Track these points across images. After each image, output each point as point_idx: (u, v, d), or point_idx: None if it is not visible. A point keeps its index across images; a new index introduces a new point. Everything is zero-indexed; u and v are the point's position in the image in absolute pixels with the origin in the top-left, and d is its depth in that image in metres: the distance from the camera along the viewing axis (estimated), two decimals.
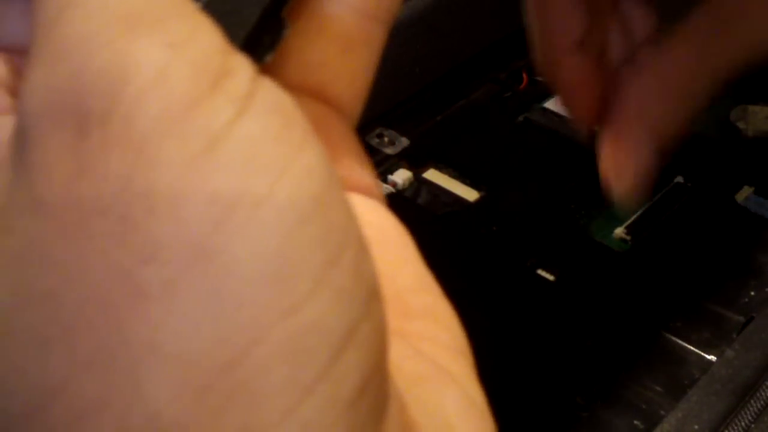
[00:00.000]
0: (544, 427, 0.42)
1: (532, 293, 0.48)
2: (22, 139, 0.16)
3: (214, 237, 0.15)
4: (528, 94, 0.60)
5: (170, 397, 0.15)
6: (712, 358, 0.44)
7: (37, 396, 0.15)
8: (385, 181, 0.54)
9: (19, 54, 0.19)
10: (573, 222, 0.51)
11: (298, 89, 0.22)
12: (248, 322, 0.15)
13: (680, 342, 0.45)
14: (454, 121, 0.59)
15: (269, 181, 0.15)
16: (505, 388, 0.43)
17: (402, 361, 0.20)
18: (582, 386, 0.43)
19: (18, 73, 0.19)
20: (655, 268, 0.49)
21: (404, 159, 0.56)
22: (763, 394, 0.41)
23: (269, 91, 0.17)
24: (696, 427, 0.40)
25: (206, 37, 0.16)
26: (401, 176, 0.54)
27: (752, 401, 0.41)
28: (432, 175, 0.55)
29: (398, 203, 0.52)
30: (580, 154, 0.43)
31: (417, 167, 0.55)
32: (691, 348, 0.45)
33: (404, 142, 0.57)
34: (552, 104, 0.58)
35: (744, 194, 0.53)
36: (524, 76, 0.61)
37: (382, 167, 0.55)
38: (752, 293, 0.47)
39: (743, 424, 0.40)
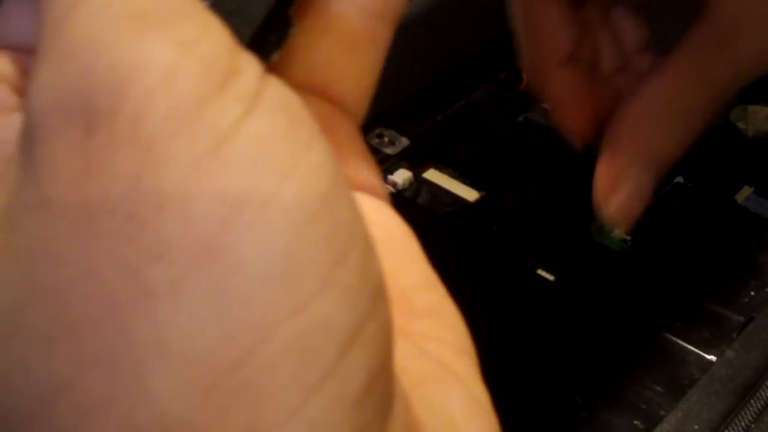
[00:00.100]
0: (544, 427, 0.42)
1: (532, 293, 0.48)
2: (29, 137, 0.16)
3: (221, 236, 0.15)
4: (528, 94, 0.60)
5: (176, 395, 0.15)
6: (712, 358, 0.44)
7: (42, 394, 0.15)
8: (385, 181, 0.54)
9: (26, 53, 0.19)
10: (573, 222, 0.51)
11: (304, 88, 0.22)
12: (255, 320, 0.15)
13: (680, 342, 0.45)
14: (454, 121, 0.59)
15: (277, 180, 0.15)
16: (506, 388, 0.43)
17: (407, 361, 0.20)
18: (582, 386, 0.43)
19: (25, 72, 0.19)
20: (655, 268, 0.49)
21: (404, 159, 0.56)
22: (763, 394, 0.41)
23: (276, 89, 0.17)
24: (696, 427, 0.40)
25: (214, 36, 0.16)
26: (401, 176, 0.54)
27: (752, 401, 0.41)
28: (432, 175, 0.55)
29: (398, 203, 0.51)
30: (585, 154, 0.43)
31: (417, 167, 0.55)
32: (691, 348, 0.45)
33: (404, 142, 0.57)
34: None
35: (744, 194, 0.53)
36: (524, 76, 0.61)
37: (382, 167, 0.55)
38: (752, 293, 0.47)
39: (743, 424, 0.40)
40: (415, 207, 0.53)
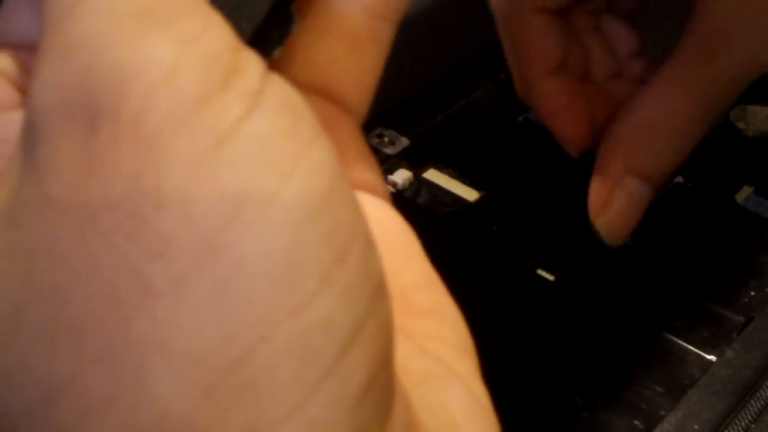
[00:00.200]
0: (544, 427, 0.42)
1: (532, 293, 0.48)
2: (31, 135, 0.16)
3: (222, 234, 0.15)
4: None
5: (177, 394, 0.15)
6: (712, 358, 0.44)
7: (43, 392, 0.15)
8: (385, 181, 0.54)
9: (28, 50, 0.19)
10: (573, 222, 0.51)
11: (306, 87, 0.22)
12: (256, 319, 0.15)
13: (680, 342, 0.45)
14: (454, 121, 0.59)
15: (278, 178, 0.16)
16: (506, 388, 0.43)
17: (407, 360, 0.20)
18: (582, 386, 0.43)
19: (27, 70, 0.19)
20: (655, 268, 0.49)
21: (404, 159, 0.56)
22: (763, 394, 0.41)
23: (279, 88, 0.17)
24: (696, 427, 0.40)
25: (216, 34, 0.16)
26: (401, 176, 0.54)
27: (752, 401, 0.41)
28: (432, 175, 0.55)
29: (398, 203, 0.51)
30: (586, 155, 0.43)
31: (417, 167, 0.55)
32: (691, 348, 0.45)
33: (404, 142, 0.57)
34: None
35: (744, 194, 0.53)
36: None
37: (382, 167, 0.55)
38: (752, 293, 0.47)
39: (743, 424, 0.40)
40: (415, 207, 0.53)
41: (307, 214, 0.16)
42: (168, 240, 0.15)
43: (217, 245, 0.15)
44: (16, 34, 0.20)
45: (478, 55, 0.61)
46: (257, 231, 0.15)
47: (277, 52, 0.20)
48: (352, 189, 0.17)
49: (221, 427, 0.15)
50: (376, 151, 0.56)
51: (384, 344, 0.17)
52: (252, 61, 0.16)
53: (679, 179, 0.54)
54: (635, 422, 0.42)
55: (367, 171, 0.23)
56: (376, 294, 0.17)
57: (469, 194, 0.54)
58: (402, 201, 0.53)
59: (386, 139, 0.57)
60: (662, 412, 0.42)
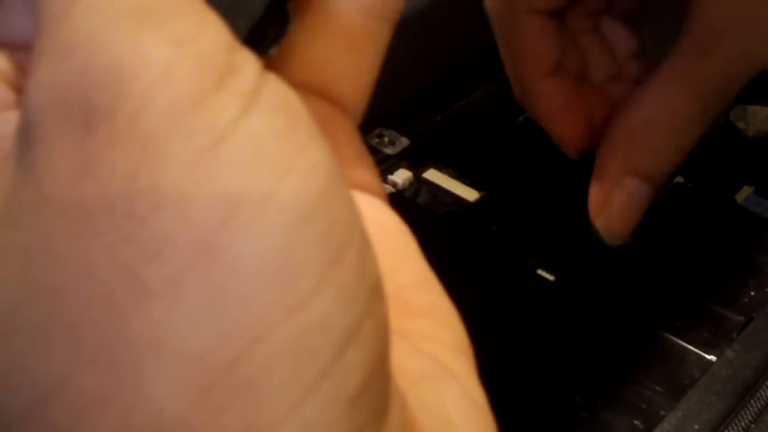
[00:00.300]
0: (544, 427, 0.42)
1: (532, 293, 0.48)
2: (26, 135, 0.16)
3: (218, 234, 0.15)
4: None
5: (173, 394, 0.15)
6: (712, 358, 0.44)
7: (39, 392, 0.15)
8: (385, 181, 0.54)
9: (24, 50, 0.19)
10: (573, 222, 0.51)
11: (303, 87, 0.22)
12: (252, 319, 0.15)
13: (680, 342, 0.45)
14: (454, 121, 0.59)
15: (274, 178, 0.15)
16: (505, 388, 0.43)
17: (403, 360, 0.20)
18: (582, 386, 0.43)
19: (22, 69, 0.19)
20: (655, 268, 0.49)
21: (404, 159, 0.56)
22: (763, 394, 0.41)
23: (275, 88, 0.17)
24: (696, 427, 0.40)
25: (213, 34, 0.16)
26: (401, 176, 0.54)
27: (752, 401, 0.41)
28: (432, 175, 0.55)
29: (398, 203, 0.51)
30: (585, 156, 0.43)
31: (417, 167, 0.55)
32: (691, 348, 0.44)
33: (404, 142, 0.57)
34: None
35: (744, 194, 0.53)
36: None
37: (382, 167, 0.55)
38: (752, 293, 0.47)
39: (743, 424, 0.40)
40: (415, 207, 0.53)
41: (303, 215, 0.16)
42: (164, 240, 0.15)
43: (213, 245, 0.15)
44: (12, 34, 0.20)
45: (477, 55, 0.61)
46: (253, 231, 0.15)
47: (273, 51, 0.20)
48: (348, 189, 0.17)
49: (217, 428, 0.15)
50: (376, 151, 0.56)
51: (380, 345, 0.17)
52: (248, 61, 0.16)
53: (679, 179, 0.53)
54: (635, 422, 0.42)
55: (364, 171, 0.23)
56: (373, 294, 0.17)
57: (469, 194, 0.54)
58: (402, 201, 0.53)
59: (386, 139, 0.56)
60: (662, 412, 0.42)
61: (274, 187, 0.15)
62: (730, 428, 0.40)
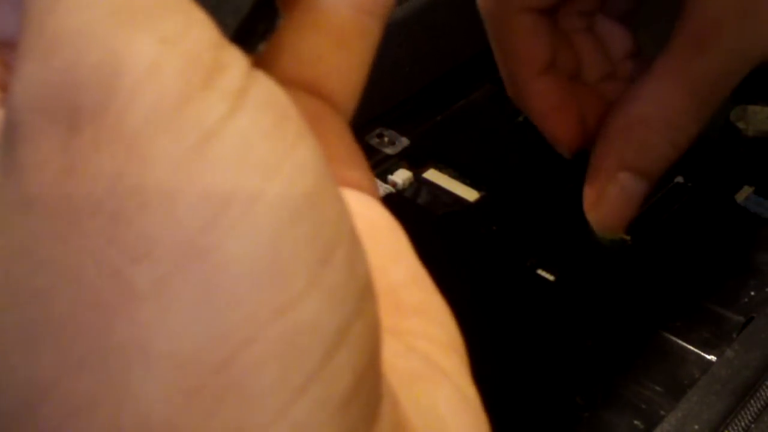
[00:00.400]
0: (544, 427, 0.42)
1: (532, 293, 0.48)
2: (11, 134, 0.16)
3: (206, 235, 0.15)
4: None
5: (161, 397, 0.15)
6: (712, 358, 0.44)
7: (26, 395, 0.15)
8: (385, 181, 0.54)
9: (9, 47, 0.19)
10: (573, 222, 0.51)
11: (293, 83, 0.22)
12: (240, 321, 0.15)
13: (680, 342, 0.45)
14: (454, 121, 0.59)
15: (262, 178, 0.15)
16: (505, 388, 0.43)
17: (395, 359, 0.20)
18: (582, 386, 0.43)
19: (6, 67, 0.19)
20: (655, 268, 0.49)
21: (404, 159, 0.56)
22: (763, 394, 0.41)
23: (263, 86, 0.16)
24: (696, 427, 0.39)
25: (199, 32, 0.16)
26: (401, 176, 0.54)
27: (752, 401, 0.41)
28: (432, 175, 0.55)
29: (398, 203, 0.52)
30: (580, 154, 0.43)
31: (417, 167, 0.55)
32: (691, 348, 0.44)
33: (404, 142, 0.57)
34: None
35: (744, 194, 0.53)
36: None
37: (382, 167, 0.55)
38: (752, 293, 0.47)
39: (743, 424, 0.40)
40: (415, 207, 0.53)
41: (292, 214, 0.15)
42: (150, 241, 0.15)
43: (200, 246, 0.15)
44: None
45: (477, 55, 0.61)
46: (241, 231, 0.15)
47: (262, 47, 0.20)
48: (337, 188, 0.17)
49: (205, 430, 0.15)
50: (376, 151, 0.56)
51: (371, 346, 0.17)
52: (235, 59, 0.16)
53: (679, 179, 0.53)
54: (635, 422, 0.42)
55: (355, 168, 0.23)
56: (363, 295, 0.17)
57: (469, 194, 0.54)
58: (402, 201, 0.53)
59: (386, 139, 0.56)
60: (662, 412, 0.42)
61: (262, 186, 0.15)
62: (730, 428, 0.40)
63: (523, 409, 0.42)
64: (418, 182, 0.54)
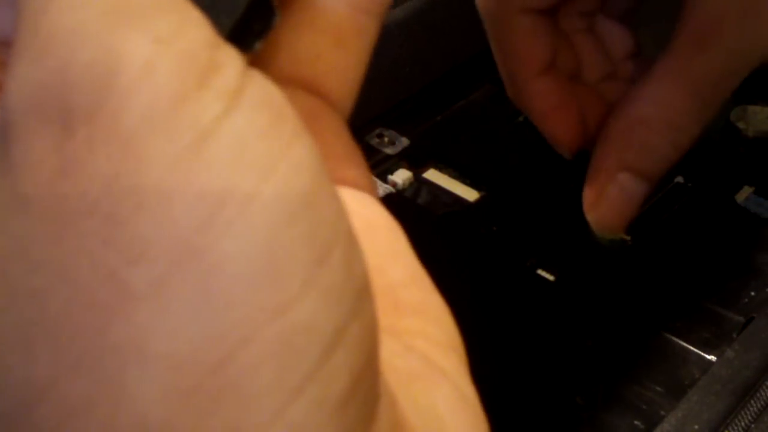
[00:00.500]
0: (544, 427, 0.42)
1: (532, 293, 0.48)
2: (5, 135, 0.16)
3: (201, 235, 0.15)
4: None
5: (157, 398, 0.15)
6: (712, 358, 0.44)
7: (23, 396, 0.15)
8: (385, 181, 0.54)
9: (4, 45, 0.19)
10: (573, 222, 0.51)
11: (291, 82, 0.22)
12: (237, 322, 0.15)
13: (680, 342, 0.45)
14: (454, 121, 0.59)
15: (258, 178, 0.15)
16: (505, 389, 0.43)
17: (393, 359, 0.20)
18: (582, 386, 0.43)
19: (2, 66, 0.19)
20: (655, 268, 0.49)
21: (404, 159, 0.56)
22: (763, 394, 0.41)
23: (258, 85, 0.16)
24: (696, 427, 0.39)
25: (194, 31, 0.16)
26: (401, 176, 0.54)
27: (752, 401, 0.40)
28: (432, 175, 0.55)
29: (398, 203, 0.52)
30: (580, 155, 0.43)
31: (417, 167, 0.55)
32: (691, 348, 0.44)
33: (404, 142, 0.57)
34: None
35: (744, 194, 0.53)
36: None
37: (382, 167, 0.55)
38: (752, 293, 0.47)
39: (743, 424, 0.40)
40: (415, 207, 0.53)
41: (288, 214, 0.15)
42: (146, 242, 0.15)
43: (196, 246, 0.15)
44: None
45: (478, 55, 0.61)
46: (237, 231, 0.15)
47: (258, 46, 0.20)
48: (334, 188, 0.17)
49: (202, 431, 0.15)
50: (376, 151, 0.56)
51: (368, 346, 0.17)
52: (231, 58, 0.16)
53: (679, 179, 0.53)
54: (635, 422, 0.42)
55: (353, 166, 0.23)
56: (360, 295, 0.17)
57: (469, 194, 0.54)
58: (402, 201, 0.53)
59: (386, 139, 0.56)
60: (662, 412, 0.42)
61: (258, 186, 0.15)
62: (730, 428, 0.40)
63: (523, 409, 0.42)
64: (418, 182, 0.54)
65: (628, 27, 0.44)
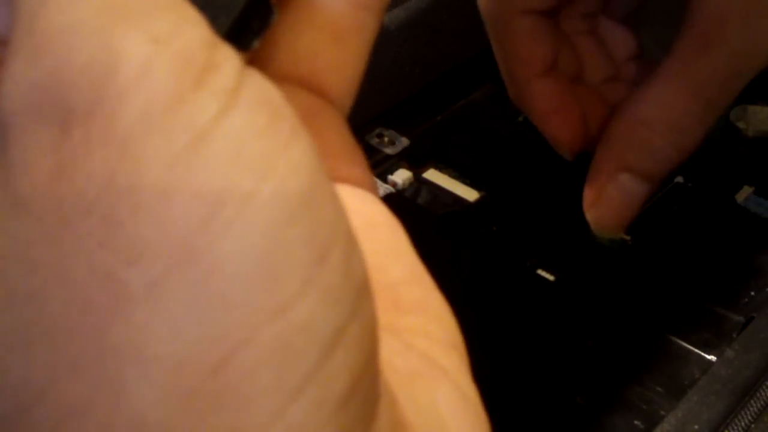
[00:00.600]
0: (544, 427, 0.42)
1: (532, 293, 0.48)
2: (2, 136, 0.16)
3: (199, 236, 0.15)
4: None
5: (155, 400, 0.15)
6: (712, 358, 0.44)
7: (20, 399, 0.15)
8: (385, 181, 0.54)
9: (2, 45, 0.19)
10: (573, 222, 0.51)
11: (290, 79, 0.21)
12: (235, 323, 0.15)
13: (680, 342, 0.45)
14: (454, 121, 0.59)
15: (256, 178, 0.15)
16: (505, 389, 0.43)
17: (393, 357, 0.20)
18: (582, 386, 0.43)
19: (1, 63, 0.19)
20: (655, 268, 0.49)
21: (404, 159, 0.56)
22: (763, 394, 0.41)
23: (256, 84, 0.16)
24: (696, 427, 0.39)
25: (191, 30, 0.16)
26: (401, 176, 0.54)
27: (752, 401, 0.40)
28: (432, 175, 0.55)
29: (398, 203, 0.52)
30: (581, 156, 0.43)
31: (417, 167, 0.55)
32: (691, 348, 0.44)
33: (404, 142, 0.56)
34: None
35: (744, 194, 0.53)
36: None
37: (382, 167, 0.55)
38: (752, 293, 0.47)
39: (743, 424, 0.40)
40: (415, 207, 0.53)
41: (286, 215, 0.15)
42: (143, 243, 0.15)
43: (193, 247, 0.15)
44: None
45: (478, 55, 0.61)
46: (235, 232, 0.15)
47: (256, 44, 0.20)
48: (333, 187, 0.17)
49: None
50: (376, 151, 0.56)
51: (368, 347, 0.17)
52: (228, 58, 0.16)
53: (679, 179, 0.53)
54: (635, 422, 0.41)
55: (353, 164, 0.23)
56: (360, 295, 0.17)
57: (469, 194, 0.54)
58: (402, 201, 0.53)
59: (386, 139, 0.56)
60: (662, 412, 0.42)
61: (256, 186, 0.15)
62: (730, 428, 0.40)
63: (523, 409, 0.42)
64: (418, 182, 0.54)
65: (631, 29, 0.44)
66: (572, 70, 0.43)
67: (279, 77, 0.17)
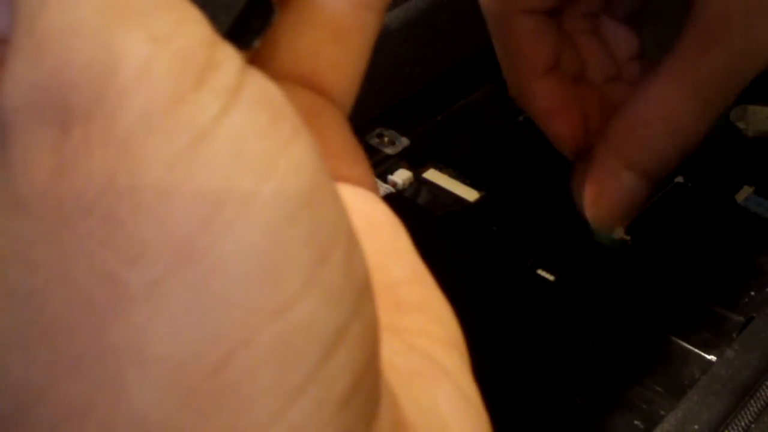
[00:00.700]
0: (544, 427, 0.42)
1: (532, 293, 0.48)
2: (2, 135, 0.16)
3: (200, 236, 0.15)
4: None
5: (155, 401, 0.15)
6: (712, 358, 0.44)
7: (20, 397, 0.15)
8: (385, 181, 0.54)
9: (2, 44, 0.19)
10: (573, 222, 0.51)
11: (291, 78, 0.21)
12: (236, 323, 0.15)
13: (680, 342, 0.45)
14: (454, 121, 0.59)
15: (256, 177, 0.15)
16: (505, 389, 0.43)
17: (394, 357, 0.20)
18: (582, 386, 0.43)
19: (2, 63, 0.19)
20: (655, 268, 0.49)
21: (404, 159, 0.56)
22: (763, 394, 0.41)
23: (257, 83, 0.16)
24: (696, 427, 0.39)
25: (192, 29, 0.16)
26: (401, 176, 0.54)
27: (752, 401, 0.40)
28: (432, 175, 0.55)
29: (398, 203, 0.52)
30: (582, 155, 0.43)
31: (417, 167, 0.55)
32: (691, 348, 0.44)
33: (404, 142, 0.56)
34: None
35: (744, 194, 0.53)
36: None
37: (382, 167, 0.55)
38: (752, 293, 0.47)
39: (743, 424, 0.40)
40: (415, 207, 0.53)
41: (287, 214, 0.15)
42: (144, 243, 0.15)
43: (194, 247, 0.15)
44: None
45: (478, 55, 0.61)
46: (235, 232, 0.15)
47: (257, 43, 0.20)
48: (334, 186, 0.17)
49: None
50: (376, 151, 0.56)
51: (369, 346, 0.17)
52: (229, 57, 0.16)
53: (679, 179, 0.53)
54: (635, 422, 0.42)
55: (354, 163, 0.23)
56: (361, 295, 0.17)
57: (469, 194, 0.54)
58: (402, 201, 0.53)
59: (386, 139, 0.56)
60: (662, 412, 0.42)
61: (257, 186, 0.15)
62: (730, 428, 0.40)
63: (524, 409, 0.42)
64: (418, 182, 0.54)
65: (633, 28, 0.44)
66: (574, 70, 0.43)
67: (280, 76, 0.17)
